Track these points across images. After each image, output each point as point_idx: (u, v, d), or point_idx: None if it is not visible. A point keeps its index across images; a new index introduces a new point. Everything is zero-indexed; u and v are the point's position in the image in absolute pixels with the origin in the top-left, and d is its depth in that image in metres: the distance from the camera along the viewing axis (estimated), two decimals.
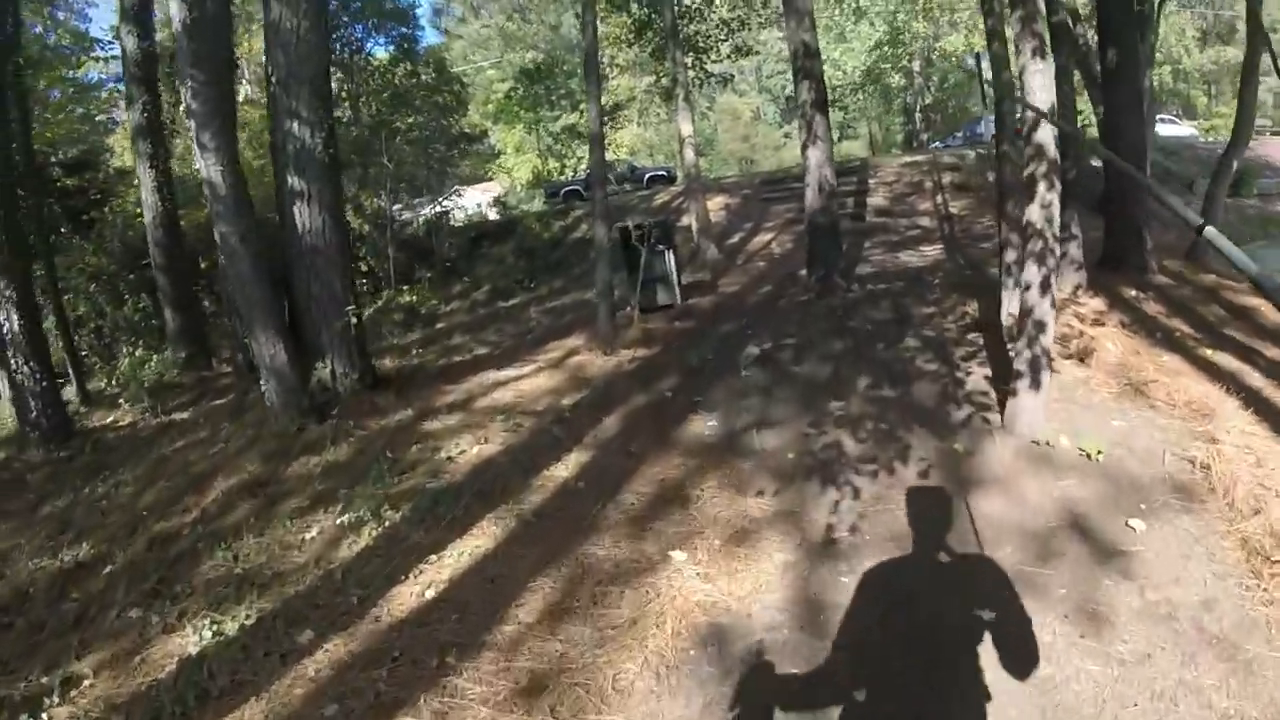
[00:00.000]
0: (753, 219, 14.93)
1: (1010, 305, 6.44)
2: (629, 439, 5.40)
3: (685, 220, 14.21)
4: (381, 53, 16.42)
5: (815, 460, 4.81)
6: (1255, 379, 5.39)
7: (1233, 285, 8.09)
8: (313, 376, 6.92)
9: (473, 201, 24.47)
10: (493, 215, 21.28)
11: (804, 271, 9.22)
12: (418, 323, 12.00)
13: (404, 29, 16.39)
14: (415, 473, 5.37)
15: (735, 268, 11.88)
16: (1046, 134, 4.26)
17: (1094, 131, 13.47)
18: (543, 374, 7.32)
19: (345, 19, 14.75)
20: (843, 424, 5.19)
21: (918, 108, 33.25)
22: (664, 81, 15.62)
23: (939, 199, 14.53)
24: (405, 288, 13.87)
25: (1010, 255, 6.39)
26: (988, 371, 5.67)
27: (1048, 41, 4.24)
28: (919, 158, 17.95)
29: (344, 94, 15.82)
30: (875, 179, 16.04)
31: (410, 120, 15.31)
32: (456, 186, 20.13)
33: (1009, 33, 5.62)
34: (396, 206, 15.72)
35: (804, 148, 8.67)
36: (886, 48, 17.87)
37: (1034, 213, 4.35)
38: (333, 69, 15.81)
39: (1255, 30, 8.19)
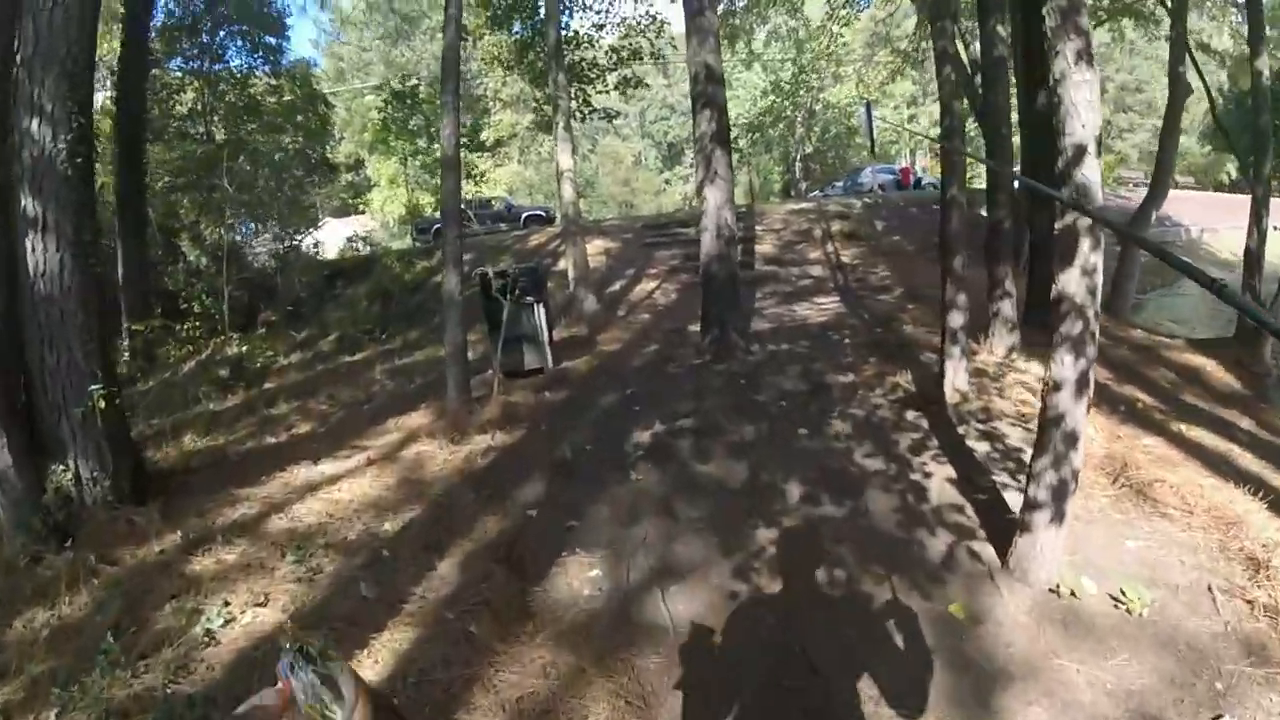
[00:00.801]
0: (635, 265, 13.58)
1: (956, 378, 5.23)
2: (470, 605, 3.57)
3: (562, 264, 12.65)
4: (239, 61, 14.27)
5: (752, 642, 3.21)
6: (1253, 463, 4.44)
7: (1165, 341, 7.43)
8: (49, 482, 4.69)
9: (342, 235, 22.58)
10: (360, 250, 19.17)
11: (695, 327, 7.82)
12: (242, 382, 9.60)
13: (271, 38, 14.18)
14: (157, 660, 3.29)
15: (617, 320, 10.39)
16: (1093, 170, 2.96)
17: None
18: (370, 472, 5.37)
19: (208, 21, 12.58)
20: (781, 569, 3.64)
21: (798, 157, 33.74)
22: (546, 110, 14.13)
23: (829, 248, 13.79)
24: (237, 336, 11.40)
25: (956, 319, 5.22)
26: (950, 472, 4.36)
27: (1092, 43, 2.95)
28: (804, 205, 17.42)
29: (199, 107, 14.16)
30: (762, 225, 15.19)
31: (263, 139, 13.12)
32: (326, 219, 18.00)
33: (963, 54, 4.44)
34: (262, 237, 13.95)
35: (701, 186, 7.34)
36: (774, 97, 17.46)
37: (1072, 283, 3.01)
38: (188, 77, 14.01)
39: (1175, 80, 7.73)
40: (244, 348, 10.82)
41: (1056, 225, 3.25)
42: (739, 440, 5.12)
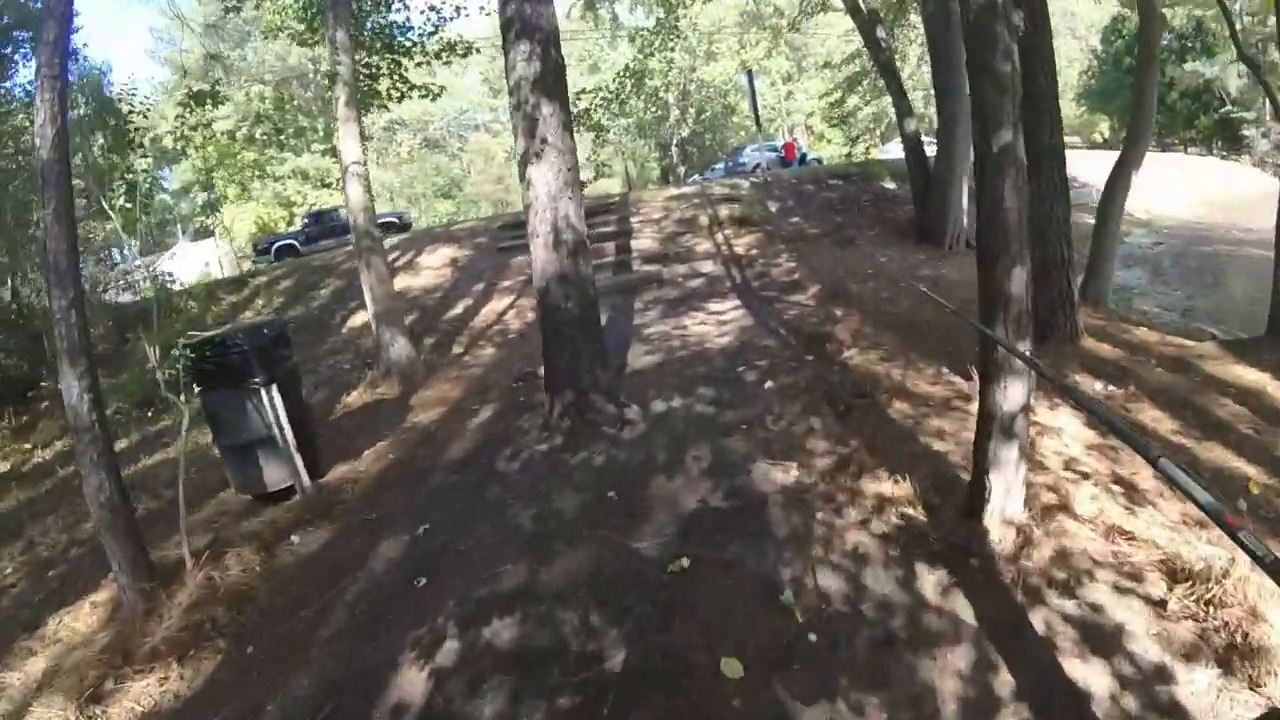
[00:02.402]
0: (485, 277, 10.73)
1: (1006, 502, 2.80)
2: None
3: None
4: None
5: None
6: None
7: (1187, 344, 5.39)
8: None
9: (200, 261, 20.27)
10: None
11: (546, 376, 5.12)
12: None
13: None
14: None
15: (450, 364, 7.57)
16: None
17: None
18: None
19: None
20: None
21: (674, 141, 31.55)
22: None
23: (719, 237, 11.41)
24: None
25: (1011, 394, 2.80)
26: None
27: None
28: (686, 190, 15.02)
29: None
30: (640, 217, 12.67)
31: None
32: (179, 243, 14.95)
33: None
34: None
35: (524, 164, 4.64)
36: (633, 65, 14.96)
37: None
38: None
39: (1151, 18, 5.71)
40: None
41: None
42: (606, 674, 2.48)
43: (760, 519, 3.24)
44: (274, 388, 4.40)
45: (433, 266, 11.69)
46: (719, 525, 3.24)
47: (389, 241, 14.06)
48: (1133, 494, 3.29)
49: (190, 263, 18.65)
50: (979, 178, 2.66)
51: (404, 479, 4.75)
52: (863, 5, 10.59)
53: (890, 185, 13.69)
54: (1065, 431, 3.73)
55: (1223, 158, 25.86)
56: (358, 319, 9.80)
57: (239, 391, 4.36)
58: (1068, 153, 5.56)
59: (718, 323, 7.36)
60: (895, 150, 25.45)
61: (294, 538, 4.12)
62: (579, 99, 14.39)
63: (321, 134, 39.38)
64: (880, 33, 10.63)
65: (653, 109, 29.34)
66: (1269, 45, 17.74)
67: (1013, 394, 2.62)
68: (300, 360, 8.86)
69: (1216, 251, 12.54)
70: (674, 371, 5.65)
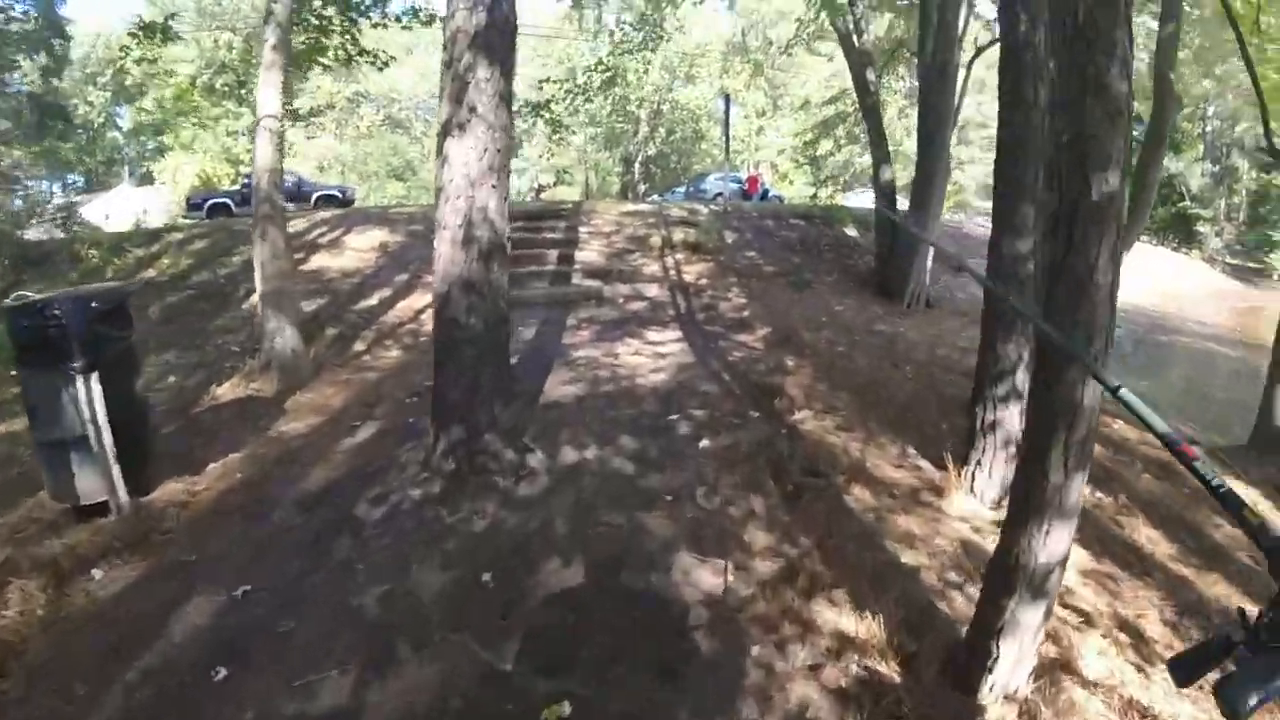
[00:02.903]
0: (411, 269, 9.68)
1: (1013, 675, 1.99)
2: None
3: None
4: None
5: None
6: None
7: (1147, 436, 4.80)
8: None
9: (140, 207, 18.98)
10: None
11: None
12: None
13: None
14: None
15: (342, 364, 6.53)
16: None
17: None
18: None
19: None
20: None
21: (639, 158, 30.90)
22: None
23: (669, 261, 10.64)
24: None
25: (1053, 547, 1.99)
26: None
27: None
28: (643, 207, 14.21)
29: None
30: (589, 227, 11.80)
31: None
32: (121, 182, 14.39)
33: None
34: None
35: (443, 135, 3.72)
36: (608, 60, 14.03)
37: None
38: None
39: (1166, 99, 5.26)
40: None
41: None
42: None
43: (676, 647, 2.38)
44: (94, 376, 3.35)
45: (359, 249, 10.55)
46: (618, 651, 2.37)
47: (320, 215, 12.85)
48: (1141, 645, 2.66)
49: (130, 206, 17.87)
50: (1048, 236, 1.88)
51: (244, 509, 3.73)
52: (856, 43, 10.08)
53: (852, 232, 13.23)
54: None
55: (1173, 249, 26.65)
56: None
57: (53, 375, 3.32)
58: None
59: (654, 355, 6.55)
60: (857, 200, 25.40)
61: (95, 573, 3.12)
62: (542, 87, 13.49)
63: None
64: (870, 75, 10.12)
65: (621, 120, 28.65)
66: (1232, 150, 18.31)
67: (1055, 541, 1.85)
68: (185, 335, 7.75)
69: (1174, 342, 12.46)
70: (596, 410, 4.78)
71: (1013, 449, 3.41)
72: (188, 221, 16.37)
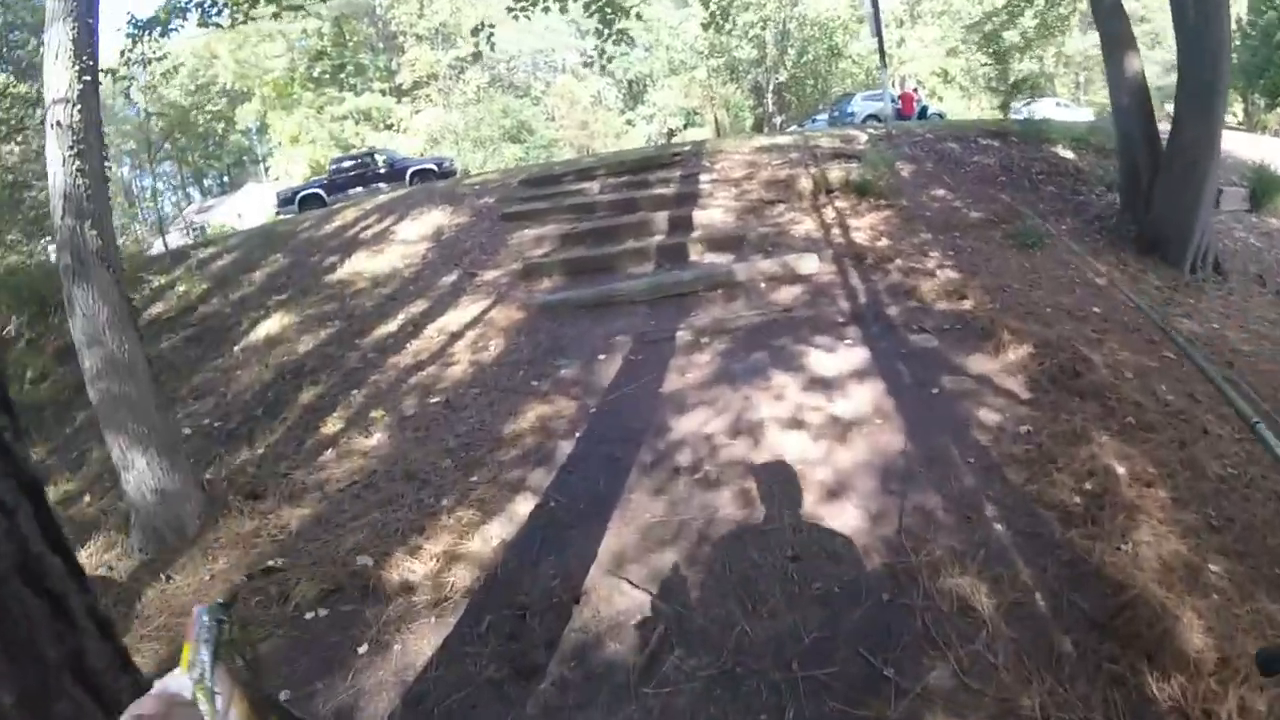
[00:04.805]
0: (464, 263, 7.06)
1: None
2: None
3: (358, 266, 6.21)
4: None
5: None
6: None
7: None
8: None
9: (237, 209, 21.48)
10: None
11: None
12: None
13: None
14: None
15: (271, 490, 3.98)
16: None
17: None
18: None
19: None
20: None
21: (769, 87, 26.76)
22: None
23: (827, 213, 7.26)
24: None
25: None
26: None
27: None
28: (781, 139, 10.62)
29: None
30: (713, 174, 8.60)
31: None
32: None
33: None
34: None
35: None
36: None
37: None
38: None
39: None
40: None
41: None
42: None
43: None
44: None
45: (407, 239, 8.10)
46: None
47: (380, 200, 10.59)
48: None
49: (263, 204, 17.21)
50: None
51: None
52: None
53: (1068, 153, 9.08)
54: None
55: None
56: (273, 321, 6.42)
57: None
58: None
59: (828, 424, 3.49)
60: (1044, 111, 19.85)
61: None
62: None
63: (384, 71, 36.63)
64: None
65: (748, 46, 24.68)
66: None
67: None
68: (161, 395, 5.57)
69: None
70: (703, 633, 1.85)
71: None
72: (283, 218, 15.08)
